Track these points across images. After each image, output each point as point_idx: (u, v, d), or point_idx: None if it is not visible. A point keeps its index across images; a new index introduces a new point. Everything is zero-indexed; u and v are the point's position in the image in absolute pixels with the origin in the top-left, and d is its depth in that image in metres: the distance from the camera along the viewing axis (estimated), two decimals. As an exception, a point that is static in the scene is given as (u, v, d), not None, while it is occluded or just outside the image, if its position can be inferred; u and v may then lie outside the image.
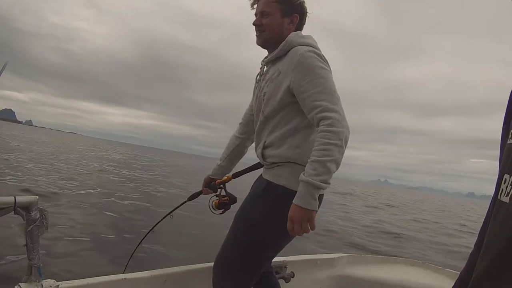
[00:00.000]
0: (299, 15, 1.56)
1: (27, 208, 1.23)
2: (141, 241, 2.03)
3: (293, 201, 1.30)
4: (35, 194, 1.29)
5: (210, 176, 1.85)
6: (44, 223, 1.31)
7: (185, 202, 1.95)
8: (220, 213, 1.75)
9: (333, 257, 2.40)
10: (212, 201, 1.76)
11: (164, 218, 1.97)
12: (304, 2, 1.59)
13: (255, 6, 1.58)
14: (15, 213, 1.20)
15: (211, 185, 1.79)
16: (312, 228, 1.31)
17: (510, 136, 0.57)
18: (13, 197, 1.16)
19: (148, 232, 2.02)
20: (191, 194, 1.92)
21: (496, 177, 0.59)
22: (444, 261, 6.42)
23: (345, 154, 1.32)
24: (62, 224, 4.81)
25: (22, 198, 1.21)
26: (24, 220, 1.23)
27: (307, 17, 1.61)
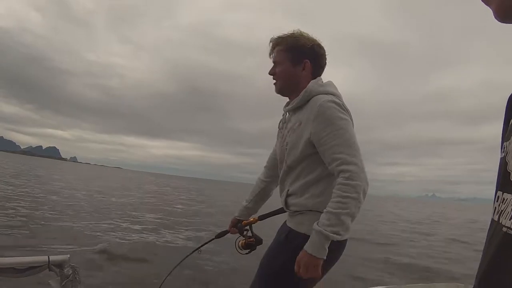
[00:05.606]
0: (310, 59, 1.55)
1: (60, 265, 1.46)
2: (167, 276, 1.96)
3: (304, 247, 1.36)
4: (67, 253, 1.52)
5: (236, 217, 1.88)
6: (77, 278, 1.52)
7: (212, 239, 2.00)
8: (246, 253, 1.78)
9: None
10: (239, 241, 1.80)
11: (192, 253, 2.00)
12: (317, 45, 1.56)
13: (272, 55, 1.60)
14: (49, 270, 1.43)
15: (237, 226, 1.84)
16: (317, 275, 1.36)
17: (502, 149, 0.54)
18: (46, 256, 1.40)
19: (176, 266, 1.98)
20: (218, 232, 1.99)
21: None
22: None
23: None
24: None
25: (55, 257, 1.45)
26: (58, 276, 1.45)
27: (326, 59, 1.58)
